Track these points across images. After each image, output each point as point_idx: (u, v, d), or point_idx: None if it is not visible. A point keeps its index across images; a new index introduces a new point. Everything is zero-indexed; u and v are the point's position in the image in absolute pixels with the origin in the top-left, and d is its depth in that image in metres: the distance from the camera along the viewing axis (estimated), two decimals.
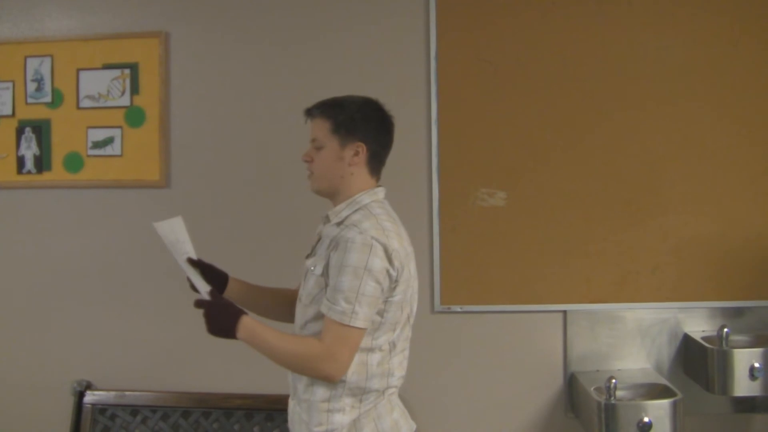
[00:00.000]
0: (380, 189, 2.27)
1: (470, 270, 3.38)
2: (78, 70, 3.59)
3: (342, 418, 2.15)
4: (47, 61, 3.61)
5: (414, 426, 2.30)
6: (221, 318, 2.13)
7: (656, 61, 3.32)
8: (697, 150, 3.33)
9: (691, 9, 3.32)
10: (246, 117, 3.52)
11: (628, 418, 2.87)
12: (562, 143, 3.35)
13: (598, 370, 3.31)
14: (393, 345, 2.20)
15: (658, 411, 2.88)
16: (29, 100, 3.63)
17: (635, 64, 3.33)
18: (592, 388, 3.06)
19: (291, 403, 2.30)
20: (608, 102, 3.34)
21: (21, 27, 3.64)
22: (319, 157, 2.21)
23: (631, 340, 3.34)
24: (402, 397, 2.32)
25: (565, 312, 3.36)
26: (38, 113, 3.62)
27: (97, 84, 3.57)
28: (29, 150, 3.63)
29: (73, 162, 3.59)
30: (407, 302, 2.21)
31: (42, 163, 3.62)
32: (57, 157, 3.61)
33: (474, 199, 3.37)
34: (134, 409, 3.50)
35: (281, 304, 2.42)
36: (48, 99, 3.61)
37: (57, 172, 3.61)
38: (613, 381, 2.95)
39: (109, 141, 3.56)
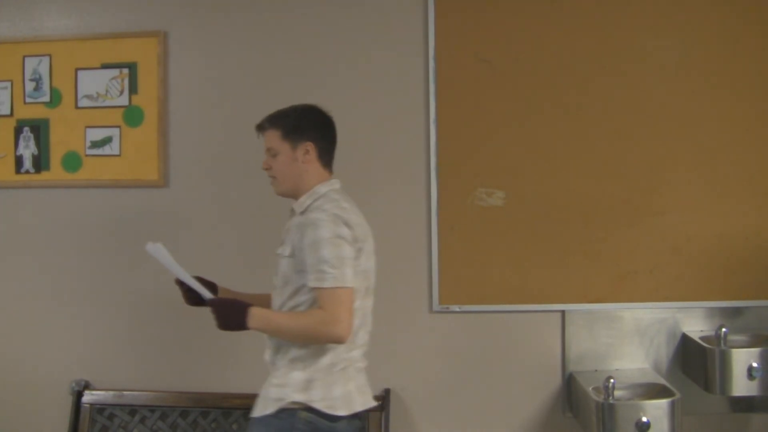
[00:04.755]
0: (335, 180, 2.56)
1: (469, 270, 3.37)
2: (76, 70, 3.59)
3: (298, 375, 2.38)
4: (45, 60, 3.61)
5: (372, 404, 2.51)
6: (231, 312, 2.37)
7: (655, 60, 3.32)
8: (696, 150, 3.33)
9: (691, 8, 3.32)
10: (244, 116, 3.49)
11: (627, 417, 2.87)
12: (561, 143, 3.35)
13: (596, 370, 3.31)
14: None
15: (656, 411, 2.88)
16: (27, 100, 3.62)
17: (634, 64, 3.33)
18: (590, 388, 3.06)
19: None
20: (607, 101, 3.34)
21: (19, 26, 3.64)
22: (276, 162, 2.51)
23: (629, 339, 3.34)
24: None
25: (563, 312, 3.36)
26: (36, 113, 3.62)
27: (95, 83, 3.57)
28: (27, 149, 3.62)
29: (72, 161, 3.59)
30: (368, 272, 2.48)
31: (40, 163, 3.61)
32: (55, 156, 3.60)
33: (472, 199, 3.37)
34: (132, 409, 3.50)
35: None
36: (46, 98, 3.61)
37: (55, 172, 3.61)
38: (612, 381, 2.94)
39: (107, 140, 3.56)
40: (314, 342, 2.35)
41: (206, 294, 2.48)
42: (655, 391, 3.07)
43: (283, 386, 2.39)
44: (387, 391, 3.35)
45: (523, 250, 3.36)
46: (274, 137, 2.51)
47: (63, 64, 3.60)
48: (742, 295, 3.32)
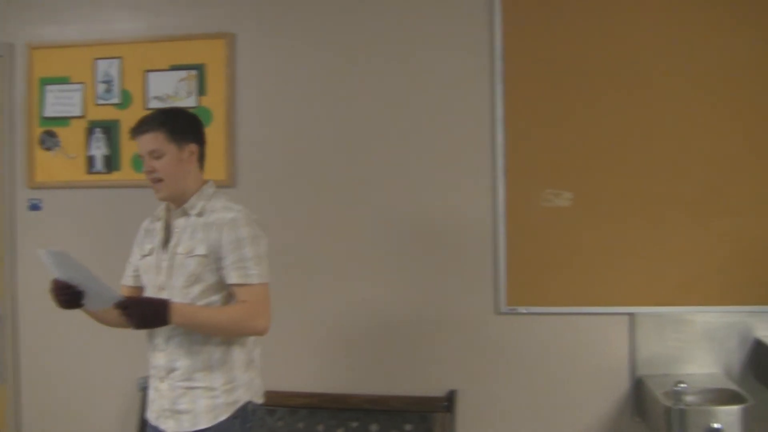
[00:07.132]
0: (212, 181, 2.60)
1: (536, 271, 3.36)
2: (146, 72, 3.66)
3: (242, 376, 2.46)
4: (116, 63, 3.69)
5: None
6: (149, 310, 2.32)
7: (725, 59, 3.26)
8: (765, 149, 3.26)
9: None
10: (311, 117, 3.54)
11: (698, 423, 2.83)
12: (628, 143, 3.31)
13: (665, 374, 3.26)
14: None
15: (728, 417, 2.83)
16: (99, 101, 3.71)
17: (702, 62, 3.27)
18: (659, 393, 3.02)
19: (163, 386, 2.47)
20: (676, 102, 3.29)
21: (91, 30, 3.73)
22: (162, 165, 2.47)
23: (699, 343, 3.29)
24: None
25: (631, 314, 3.32)
26: (107, 114, 3.70)
27: (164, 85, 3.64)
28: (99, 150, 3.71)
29: (141, 162, 3.64)
30: None
31: (111, 163, 3.70)
32: (125, 157, 3.69)
33: (540, 200, 3.35)
34: None
35: None
36: (117, 100, 3.69)
37: (125, 172, 3.69)
38: (682, 385, 2.90)
39: None
40: (236, 335, 2.43)
41: (115, 295, 2.33)
42: (726, 397, 3.02)
43: (232, 390, 2.43)
44: (453, 393, 3.37)
45: (590, 252, 3.33)
46: (159, 139, 2.46)
47: (133, 66, 3.68)
48: None
